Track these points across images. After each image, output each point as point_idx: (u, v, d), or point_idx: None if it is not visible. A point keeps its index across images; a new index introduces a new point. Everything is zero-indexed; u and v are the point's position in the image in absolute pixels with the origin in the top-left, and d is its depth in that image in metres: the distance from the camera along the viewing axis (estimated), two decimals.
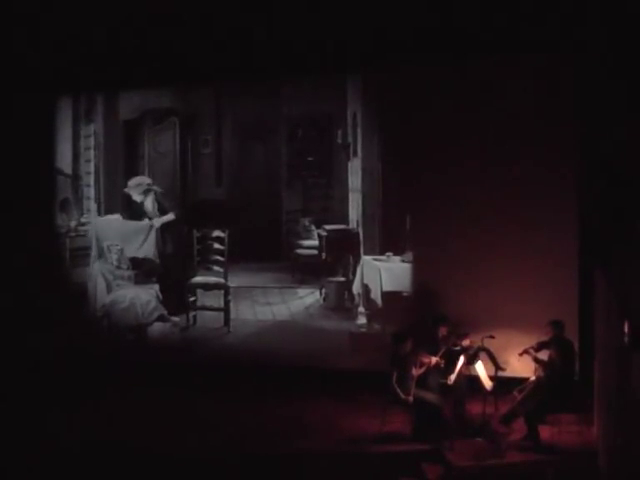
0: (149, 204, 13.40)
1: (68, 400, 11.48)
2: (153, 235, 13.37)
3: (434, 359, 9.75)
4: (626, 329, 6.93)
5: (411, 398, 9.63)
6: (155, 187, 13.41)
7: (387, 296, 12.13)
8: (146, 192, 13.38)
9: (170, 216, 13.39)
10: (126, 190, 13.45)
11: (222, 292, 13.23)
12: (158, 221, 13.37)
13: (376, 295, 12.24)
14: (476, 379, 9.71)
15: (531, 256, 10.79)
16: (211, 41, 11.89)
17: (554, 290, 10.59)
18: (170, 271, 13.44)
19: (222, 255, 13.27)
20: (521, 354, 9.77)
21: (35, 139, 13.26)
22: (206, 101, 13.45)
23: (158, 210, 13.43)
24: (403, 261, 12.06)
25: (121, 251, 13.52)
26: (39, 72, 12.78)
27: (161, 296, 13.36)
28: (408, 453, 9.28)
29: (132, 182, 13.47)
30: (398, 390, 9.63)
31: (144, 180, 13.46)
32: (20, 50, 12.53)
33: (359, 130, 12.51)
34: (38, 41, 12.40)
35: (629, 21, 8.87)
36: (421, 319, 10.88)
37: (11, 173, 13.14)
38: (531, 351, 9.67)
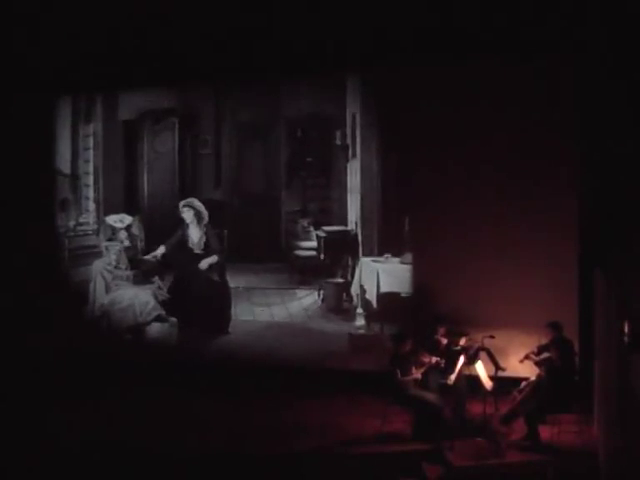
0: (195, 234, 13.30)
1: (67, 400, 11.46)
2: None
3: (434, 358, 9.75)
4: (626, 329, 6.95)
5: (419, 375, 9.66)
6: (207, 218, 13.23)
7: (386, 297, 12.13)
8: (199, 220, 13.28)
9: (214, 258, 13.28)
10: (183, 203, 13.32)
11: None
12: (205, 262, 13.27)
13: (371, 296, 12.25)
14: (476, 379, 9.72)
15: (531, 256, 10.80)
16: (211, 41, 11.90)
17: (554, 290, 10.59)
18: None
19: None
20: (522, 360, 9.80)
21: (35, 139, 13.25)
22: (205, 101, 13.46)
23: (204, 243, 13.30)
24: (402, 262, 12.05)
25: (120, 251, 13.53)
26: (39, 72, 12.77)
27: (160, 296, 13.36)
28: (408, 453, 9.28)
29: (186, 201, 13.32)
30: (406, 378, 9.61)
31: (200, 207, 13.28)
32: (20, 50, 12.52)
33: (358, 131, 12.50)
34: (38, 41, 12.39)
35: (629, 21, 8.90)
36: (420, 319, 10.90)
37: (11, 173, 13.13)
38: (532, 356, 9.71)
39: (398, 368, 9.67)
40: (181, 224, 13.24)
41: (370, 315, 12.28)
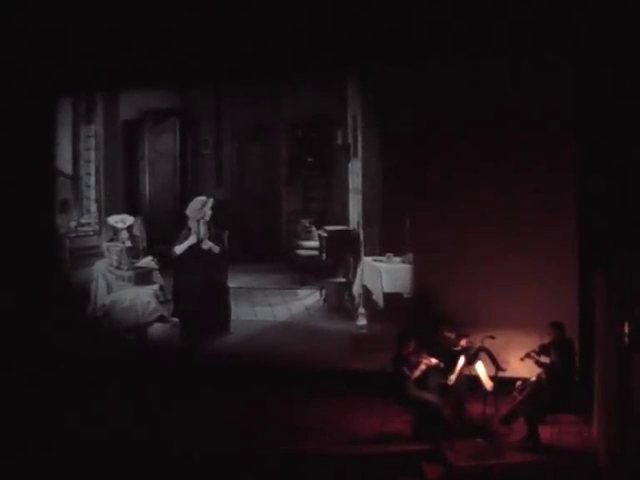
0: (202, 231, 13.29)
1: (68, 400, 11.48)
2: None
3: (434, 360, 9.75)
4: (626, 329, 6.95)
5: (425, 366, 9.67)
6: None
7: (387, 297, 12.14)
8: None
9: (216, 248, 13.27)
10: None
11: None
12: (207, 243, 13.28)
13: (378, 296, 12.24)
14: (476, 379, 9.72)
15: (531, 256, 10.79)
16: (211, 41, 11.90)
17: (554, 290, 10.59)
18: None
19: None
20: (523, 358, 9.77)
21: (35, 139, 13.26)
22: (206, 101, 13.45)
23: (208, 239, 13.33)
24: (403, 262, 12.05)
25: (121, 251, 13.54)
26: (39, 72, 12.78)
27: (162, 297, 13.38)
28: (408, 453, 9.28)
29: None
30: (414, 372, 9.62)
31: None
32: (20, 50, 12.53)
33: (359, 131, 12.51)
34: (38, 41, 12.40)
35: (629, 18, 8.89)
36: (421, 320, 10.90)
37: (11, 173, 13.14)
38: (533, 355, 9.67)
39: (403, 367, 9.67)
40: (185, 223, 13.26)
41: (373, 315, 12.28)
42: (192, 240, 13.20)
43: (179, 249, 13.22)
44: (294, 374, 11.80)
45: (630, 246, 7.47)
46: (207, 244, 13.16)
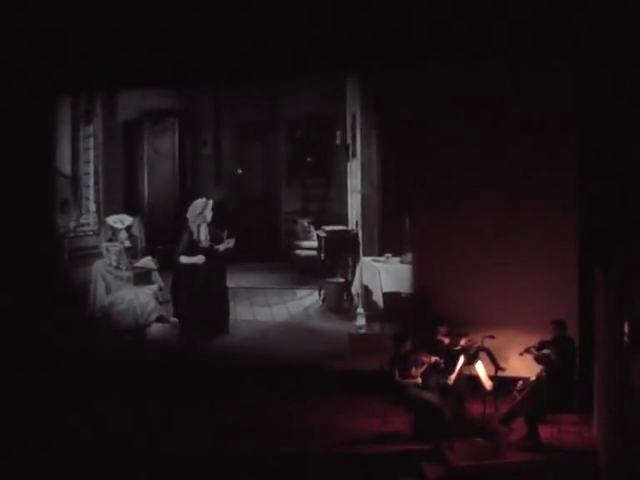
0: (202, 232, 13.28)
1: (67, 400, 11.47)
2: None
3: (433, 358, 9.75)
4: (626, 329, 6.96)
5: (420, 379, 9.66)
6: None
7: (386, 297, 12.14)
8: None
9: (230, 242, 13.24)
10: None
11: None
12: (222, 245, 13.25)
13: (377, 296, 12.25)
14: (476, 379, 9.72)
15: (531, 256, 10.80)
16: (211, 41, 11.91)
17: (554, 290, 10.60)
18: None
19: None
20: (522, 353, 9.77)
21: (35, 140, 13.25)
22: (205, 101, 13.45)
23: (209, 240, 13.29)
24: (402, 262, 12.06)
25: (120, 252, 13.53)
26: (39, 72, 12.78)
27: (161, 297, 13.38)
28: (408, 453, 9.27)
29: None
30: (404, 380, 9.61)
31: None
32: (20, 50, 12.53)
33: (358, 131, 12.52)
34: (38, 41, 12.40)
35: (629, 18, 8.90)
36: (420, 319, 10.90)
37: (11, 173, 13.13)
38: (533, 350, 9.66)
39: (397, 368, 9.68)
40: (186, 226, 13.24)
41: (372, 315, 12.28)
42: (198, 256, 13.17)
43: (185, 259, 13.21)
44: (293, 374, 11.80)
45: (630, 246, 7.47)
46: (222, 246, 13.15)
